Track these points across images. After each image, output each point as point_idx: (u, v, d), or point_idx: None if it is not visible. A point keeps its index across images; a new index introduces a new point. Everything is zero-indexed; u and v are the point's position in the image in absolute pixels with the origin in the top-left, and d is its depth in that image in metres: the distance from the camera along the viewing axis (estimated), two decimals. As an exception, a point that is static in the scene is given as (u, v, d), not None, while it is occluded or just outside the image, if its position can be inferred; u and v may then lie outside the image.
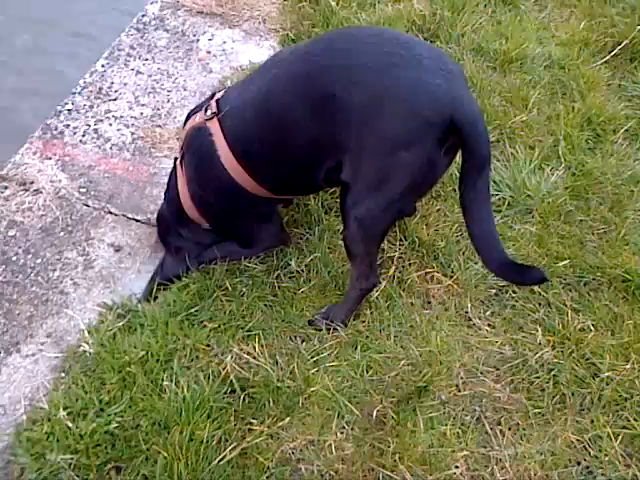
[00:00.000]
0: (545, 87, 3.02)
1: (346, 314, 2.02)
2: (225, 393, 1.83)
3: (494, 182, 2.47)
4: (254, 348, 1.94)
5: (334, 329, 1.99)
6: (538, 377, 1.94)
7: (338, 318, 2.01)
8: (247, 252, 2.18)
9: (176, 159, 2.05)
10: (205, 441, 1.71)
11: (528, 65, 3.13)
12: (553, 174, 2.55)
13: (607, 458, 1.78)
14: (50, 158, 2.43)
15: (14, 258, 2.10)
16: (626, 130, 2.81)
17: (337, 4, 3.25)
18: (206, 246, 2.15)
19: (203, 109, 1.91)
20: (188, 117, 2.01)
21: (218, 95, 1.93)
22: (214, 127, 1.85)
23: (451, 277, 2.19)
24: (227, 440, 1.74)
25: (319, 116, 1.68)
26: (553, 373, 1.95)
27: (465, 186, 1.67)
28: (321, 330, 2.00)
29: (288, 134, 1.76)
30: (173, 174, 2.07)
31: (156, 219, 2.20)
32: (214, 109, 1.87)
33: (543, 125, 2.81)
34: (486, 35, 3.23)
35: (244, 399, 1.83)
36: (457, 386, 1.93)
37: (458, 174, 1.70)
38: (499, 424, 1.86)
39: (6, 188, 2.29)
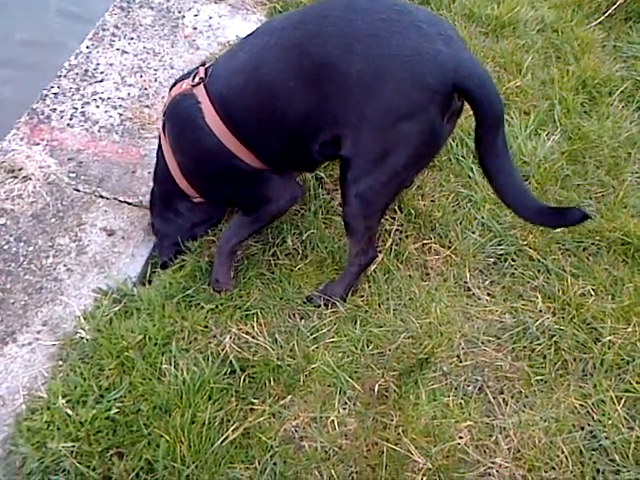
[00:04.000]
0: (539, 51, 2.98)
1: (345, 289, 2.00)
2: (225, 374, 1.82)
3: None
4: (253, 327, 1.93)
5: (333, 304, 1.97)
6: (539, 344, 1.94)
7: (337, 294, 1.99)
8: (256, 221, 2.00)
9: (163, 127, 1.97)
10: (207, 423, 1.70)
11: (521, 29, 3.08)
12: (549, 139, 2.51)
13: (610, 422, 1.78)
14: (38, 143, 2.38)
15: (6, 247, 2.07)
16: (622, 92, 2.78)
17: (323, -27, 3.17)
18: (201, 221, 2.10)
19: (191, 76, 1.85)
20: (174, 85, 1.95)
21: (208, 64, 1.88)
22: (200, 93, 1.79)
23: (449, 247, 2.17)
24: (229, 421, 1.73)
25: (314, 87, 1.63)
26: (554, 339, 1.94)
27: (483, 146, 1.64)
28: (320, 307, 1.98)
29: (279, 104, 1.71)
30: (159, 146, 2.01)
31: (149, 200, 2.16)
32: (202, 75, 1.81)
33: (538, 90, 2.77)
34: (477, 0, 3.16)
35: (244, 379, 1.82)
36: (458, 357, 1.92)
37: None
38: (502, 393, 1.85)
39: (-6, 176, 2.26)
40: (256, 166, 1.87)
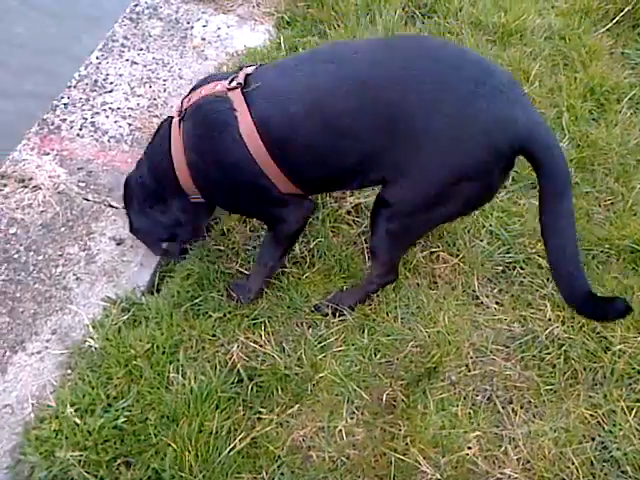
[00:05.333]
0: (546, 59, 2.97)
1: (355, 302, 2.00)
2: (233, 383, 1.82)
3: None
4: (260, 336, 1.93)
5: (341, 313, 1.97)
6: (549, 353, 1.92)
7: (346, 304, 1.98)
8: (277, 242, 1.94)
9: (170, 119, 1.85)
10: (214, 432, 1.70)
11: (528, 37, 3.07)
12: (557, 147, 2.50)
13: (622, 432, 1.76)
14: (48, 153, 2.40)
15: (16, 256, 2.08)
16: (630, 99, 2.76)
17: (331, -17, 3.19)
18: (188, 223, 1.99)
19: (228, 79, 1.73)
20: (202, 84, 1.81)
21: (248, 70, 1.74)
22: (237, 100, 1.66)
23: (457, 256, 2.16)
24: (236, 430, 1.73)
25: (383, 132, 1.56)
26: (564, 348, 1.92)
27: (545, 214, 1.58)
28: (327, 315, 1.98)
29: (343, 143, 1.62)
30: (163, 137, 1.84)
31: (124, 192, 2.02)
32: (240, 81, 1.69)
33: (545, 97, 2.76)
34: (484, 8, 3.16)
35: (252, 388, 1.82)
36: (467, 366, 1.91)
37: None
38: (511, 403, 1.84)
39: (5, 185, 2.27)
40: (282, 189, 1.76)
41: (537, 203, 2.23)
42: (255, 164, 1.69)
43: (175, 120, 1.80)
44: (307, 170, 1.74)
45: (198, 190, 1.85)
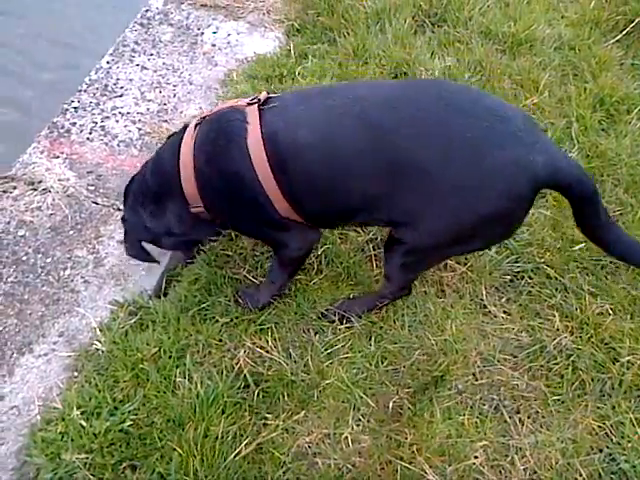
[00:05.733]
0: (556, 69, 2.97)
1: (363, 310, 1.99)
2: (239, 388, 1.82)
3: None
4: (267, 342, 1.92)
5: (348, 320, 1.96)
6: (557, 363, 1.91)
7: (354, 312, 1.98)
8: (283, 267, 1.94)
9: (185, 126, 1.82)
10: (220, 437, 1.69)
11: (538, 47, 3.08)
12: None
13: (630, 444, 1.75)
14: (58, 157, 2.42)
15: (24, 258, 2.09)
16: (640, 110, 2.76)
17: (342, -9, 3.21)
18: (179, 234, 1.91)
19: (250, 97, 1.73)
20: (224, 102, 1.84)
21: (273, 94, 1.76)
22: (252, 114, 1.65)
23: (465, 264, 2.15)
24: (242, 435, 1.73)
25: (393, 177, 1.53)
26: (572, 359, 1.92)
27: (587, 225, 1.68)
28: (334, 322, 1.97)
29: (350, 182, 1.59)
30: (176, 139, 1.81)
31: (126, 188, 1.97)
32: (260, 98, 1.69)
33: (555, 107, 2.76)
34: (494, 18, 3.18)
35: (258, 394, 1.81)
36: (474, 375, 1.90)
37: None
38: (518, 412, 1.83)
39: (15, 188, 2.28)
40: (282, 212, 1.71)
41: (545, 212, 2.29)
42: (257, 179, 1.64)
43: (192, 124, 1.79)
44: (306, 198, 1.69)
45: (200, 198, 1.78)
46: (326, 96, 1.68)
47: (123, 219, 1.98)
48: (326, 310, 2.01)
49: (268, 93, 1.74)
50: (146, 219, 1.89)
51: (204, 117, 1.77)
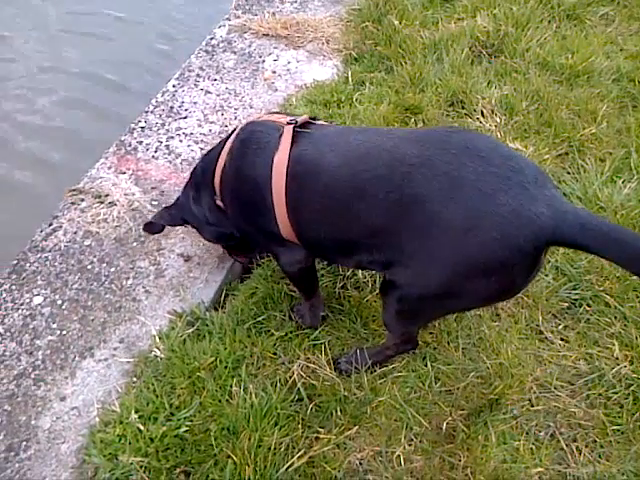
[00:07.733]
0: (614, 100, 2.95)
1: (374, 362, 1.94)
2: (292, 401, 1.83)
3: (564, 194, 2.41)
4: (320, 357, 1.93)
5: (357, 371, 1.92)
6: (616, 392, 1.86)
7: (365, 364, 1.93)
8: (286, 275, 1.98)
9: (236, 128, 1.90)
10: (273, 448, 1.70)
11: (595, 79, 3.07)
12: (625, 186, 2.46)
13: (694, 480, 1.68)
14: (124, 172, 2.52)
15: (89, 266, 2.17)
16: (702, 141, 2.71)
17: (400, 22, 3.29)
18: (213, 223, 2.01)
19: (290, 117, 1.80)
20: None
21: (313, 121, 1.82)
22: (287, 133, 1.71)
23: (521, 290, 2.13)
24: (294, 448, 1.73)
25: (401, 213, 1.51)
26: (632, 388, 1.86)
27: (629, 262, 1.42)
28: (346, 373, 1.93)
29: (358, 207, 1.58)
30: (227, 137, 1.91)
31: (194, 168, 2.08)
32: (300, 120, 1.75)
33: (613, 137, 2.74)
34: (551, 50, 3.19)
35: (311, 408, 1.82)
36: (530, 400, 1.86)
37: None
38: (575, 440, 1.79)
39: (82, 200, 2.39)
40: (283, 231, 1.75)
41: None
42: (269, 189, 1.69)
43: (244, 123, 1.88)
44: (311, 219, 1.70)
45: (219, 191, 1.90)
46: (363, 132, 1.72)
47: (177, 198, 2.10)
48: (337, 362, 1.96)
49: (311, 118, 1.81)
50: (191, 203, 2.02)
51: (252, 121, 1.86)
